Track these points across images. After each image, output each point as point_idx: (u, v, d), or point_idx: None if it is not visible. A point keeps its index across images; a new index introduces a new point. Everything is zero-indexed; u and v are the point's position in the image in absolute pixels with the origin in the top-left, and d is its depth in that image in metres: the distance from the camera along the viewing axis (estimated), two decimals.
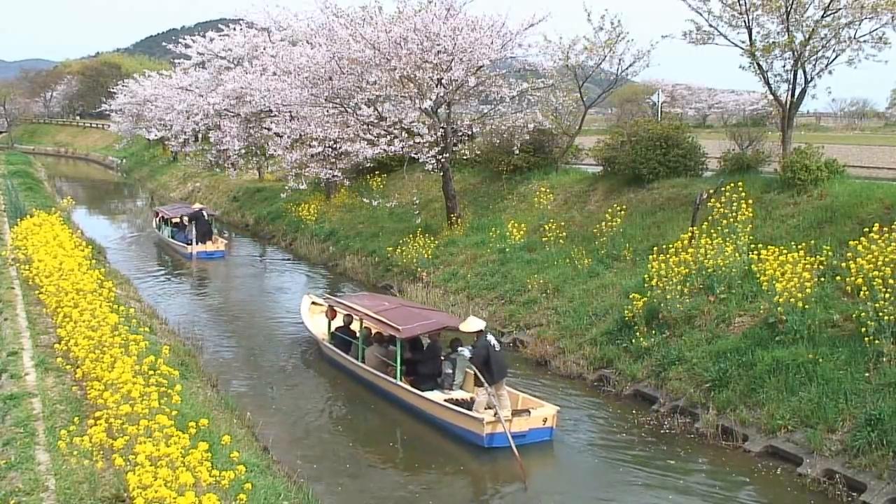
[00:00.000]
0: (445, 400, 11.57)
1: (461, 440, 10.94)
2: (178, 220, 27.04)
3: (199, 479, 6.53)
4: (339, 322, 14.57)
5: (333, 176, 22.17)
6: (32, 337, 12.47)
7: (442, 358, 12.49)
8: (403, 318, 12.58)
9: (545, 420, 10.97)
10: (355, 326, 14.00)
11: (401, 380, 12.31)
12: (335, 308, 14.77)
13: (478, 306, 16.64)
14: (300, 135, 22.35)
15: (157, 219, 29.34)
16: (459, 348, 12.25)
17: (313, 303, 16.36)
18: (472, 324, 11.49)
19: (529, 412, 11.03)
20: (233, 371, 14.17)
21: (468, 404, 11.32)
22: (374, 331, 13.47)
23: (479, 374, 10.98)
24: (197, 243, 25.10)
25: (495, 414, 10.65)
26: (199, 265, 24.23)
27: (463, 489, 9.93)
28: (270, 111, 25.73)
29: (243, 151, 30.39)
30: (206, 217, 26.01)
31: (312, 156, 21.67)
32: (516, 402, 11.44)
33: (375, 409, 12.43)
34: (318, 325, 15.22)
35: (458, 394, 11.97)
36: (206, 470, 6.66)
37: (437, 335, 12.70)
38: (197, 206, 27.00)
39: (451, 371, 12.32)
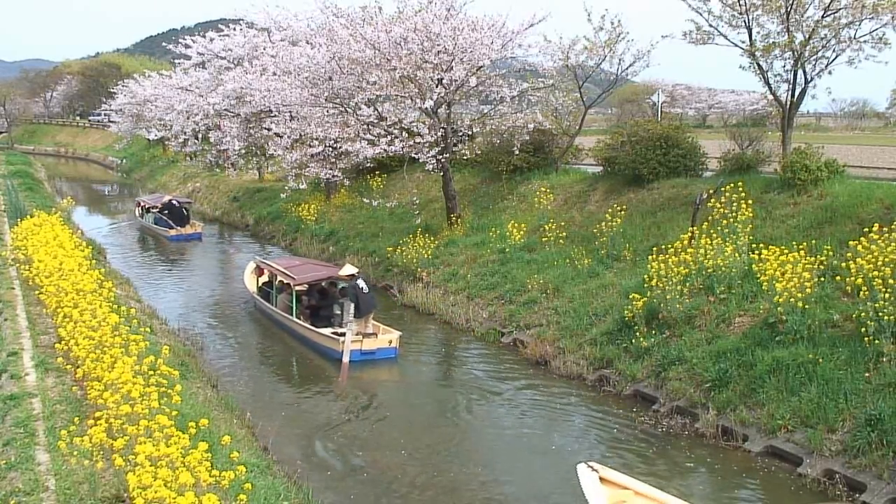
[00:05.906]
0: (333, 333, 14.82)
1: (331, 357, 14.44)
2: (157, 208, 30.51)
3: (199, 479, 6.53)
4: (265, 279, 18.11)
5: (333, 176, 22.16)
6: (32, 337, 12.47)
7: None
8: (301, 271, 16.28)
9: (390, 342, 14.50)
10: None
11: (297, 318, 15.78)
12: (261, 267, 18.23)
13: (478, 306, 16.65)
14: (300, 135, 22.31)
15: (139, 208, 32.83)
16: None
17: (257, 266, 19.04)
18: (346, 269, 15.25)
19: (376, 335, 14.50)
20: (233, 370, 14.19)
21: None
22: (284, 282, 16.62)
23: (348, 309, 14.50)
24: (175, 227, 28.96)
25: (345, 338, 14.05)
26: (178, 246, 27.96)
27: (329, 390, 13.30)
28: (270, 111, 25.71)
29: (243, 151, 30.48)
30: (178, 205, 30.05)
31: (312, 156, 21.65)
32: (378, 330, 14.82)
33: (282, 341, 16.16)
34: (255, 284, 18.85)
35: (343, 329, 14.66)
36: (205, 470, 6.66)
37: (333, 286, 16.22)
38: (166, 197, 31.14)
39: (339, 312, 15.66)
